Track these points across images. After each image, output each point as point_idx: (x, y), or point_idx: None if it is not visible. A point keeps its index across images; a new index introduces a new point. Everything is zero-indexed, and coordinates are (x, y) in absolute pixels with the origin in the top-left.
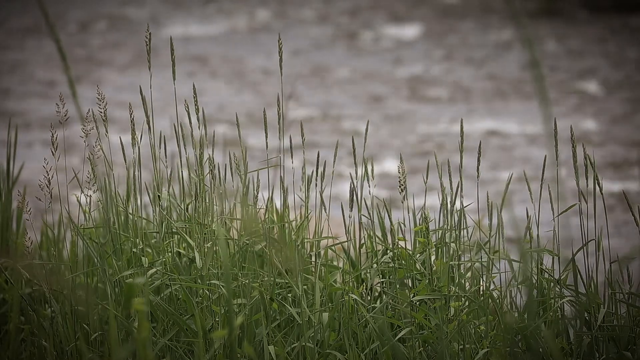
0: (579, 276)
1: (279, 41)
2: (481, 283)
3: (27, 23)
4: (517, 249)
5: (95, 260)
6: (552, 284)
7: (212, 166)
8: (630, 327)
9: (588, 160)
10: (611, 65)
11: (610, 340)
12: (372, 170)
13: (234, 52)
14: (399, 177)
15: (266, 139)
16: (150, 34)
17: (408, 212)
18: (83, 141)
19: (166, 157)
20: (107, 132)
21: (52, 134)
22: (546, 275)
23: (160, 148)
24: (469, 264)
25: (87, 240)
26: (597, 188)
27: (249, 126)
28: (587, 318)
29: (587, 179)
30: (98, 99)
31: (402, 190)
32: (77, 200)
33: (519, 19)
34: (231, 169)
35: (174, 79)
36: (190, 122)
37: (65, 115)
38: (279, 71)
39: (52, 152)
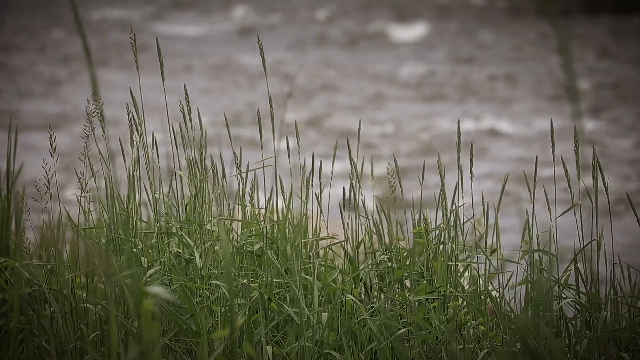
0: (580, 276)
1: (259, 42)
2: (479, 283)
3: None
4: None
5: (96, 260)
6: (552, 284)
7: (211, 166)
8: (631, 328)
9: (596, 160)
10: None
11: (610, 340)
12: (372, 170)
13: (235, 51)
14: (389, 178)
15: (260, 139)
16: (134, 35)
17: (405, 213)
18: (85, 142)
19: (158, 158)
20: (103, 132)
21: (51, 135)
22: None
23: (153, 150)
24: (467, 264)
25: (87, 240)
26: (597, 188)
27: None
28: (587, 318)
29: (594, 179)
30: (94, 98)
31: (392, 190)
32: (77, 200)
33: (553, 19)
34: (229, 170)
35: (163, 79)
36: (186, 123)
37: (98, 113)
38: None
39: (50, 153)
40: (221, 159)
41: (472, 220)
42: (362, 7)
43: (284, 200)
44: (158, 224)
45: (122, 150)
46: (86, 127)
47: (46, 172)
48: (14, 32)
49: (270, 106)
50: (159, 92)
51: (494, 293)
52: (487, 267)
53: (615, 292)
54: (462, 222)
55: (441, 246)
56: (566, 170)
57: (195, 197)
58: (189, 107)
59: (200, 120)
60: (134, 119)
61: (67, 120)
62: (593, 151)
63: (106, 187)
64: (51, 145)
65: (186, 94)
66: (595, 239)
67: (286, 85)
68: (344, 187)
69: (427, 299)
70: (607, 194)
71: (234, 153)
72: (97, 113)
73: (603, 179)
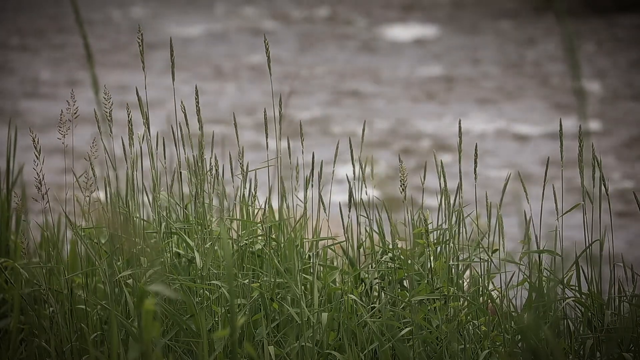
0: (582, 277)
1: (265, 42)
2: (480, 283)
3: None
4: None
5: (95, 260)
6: (553, 284)
7: (214, 166)
8: (632, 328)
9: (595, 160)
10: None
11: (611, 340)
12: (372, 170)
13: (237, 51)
14: (400, 177)
15: (266, 139)
16: (142, 34)
17: (406, 213)
18: (62, 142)
19: (165, 158)
20: (111, 132)
21: (34, 139)
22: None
23: (157, 149)
24: (467, 264)
25: (86, 240)
26: (603, 188)
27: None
28: (589, 318)
29: (593, 179)
30: (104, 99)
31: (403, 189)
32: (77, 200)
33: (562, 17)
34: (230, 169)
35: (173, 80)
36: (187, 123)
37: (75, 114)
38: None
39: (35, 155)
40: (230, 157)
41: (472, 218)
42: (362, 6)
43: (279, 200)
44: (160, 224)
45: (115, 151)
46: (60, 129)
47: (37, 173)
48: (25, 30)
49: (278, 105)
50: (170, 91)
51: (495, 293)
52: (489, 267)
53: (618, 292)
54: (463, 219)
55: (442, 246)
56: (581, 168)
57: (195, 197)
58: (198, 108)
59: (200, 118)
60: (144, 117)
61: (76, 120)
62: (592, 151)
63: (105, 188)
64: (35, 148)
65: (197, 95)
66: (597, 239)
67: (285, 85)
68: (349, 188)
69: (428, 299)
70: (608, 194)
71: (236, 154)
72: (107, 112)
73: (603, 179)
